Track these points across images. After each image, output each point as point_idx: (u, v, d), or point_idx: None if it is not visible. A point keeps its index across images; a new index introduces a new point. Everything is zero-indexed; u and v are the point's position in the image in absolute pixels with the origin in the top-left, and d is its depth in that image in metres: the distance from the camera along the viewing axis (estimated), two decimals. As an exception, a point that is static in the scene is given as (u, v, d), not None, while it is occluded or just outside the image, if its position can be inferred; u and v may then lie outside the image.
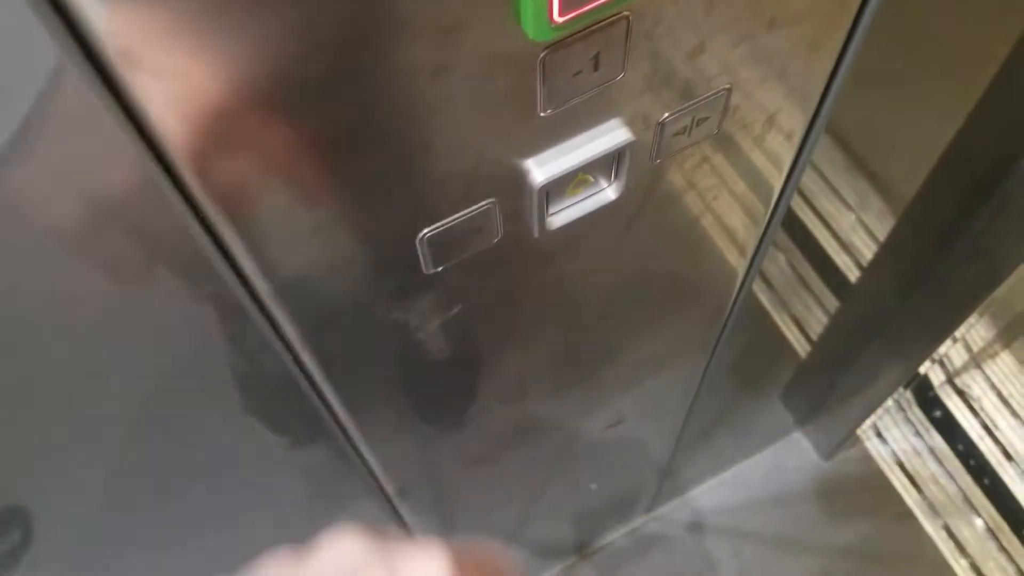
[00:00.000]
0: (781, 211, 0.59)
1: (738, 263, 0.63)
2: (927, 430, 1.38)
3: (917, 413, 1.39)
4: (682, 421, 0.97)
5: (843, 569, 1.30)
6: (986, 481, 1.34)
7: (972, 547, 1.30)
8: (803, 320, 1.22)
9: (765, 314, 1.16)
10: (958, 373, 1.40)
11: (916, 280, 0.94)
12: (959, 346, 1.35)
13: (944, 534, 1.31)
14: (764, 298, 1.13)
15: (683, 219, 0.53)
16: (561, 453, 0.86)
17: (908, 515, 1.33)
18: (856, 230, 1.12)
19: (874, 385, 1.18)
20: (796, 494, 1.36)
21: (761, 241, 0.61)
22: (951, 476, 1.35)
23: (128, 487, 0.51)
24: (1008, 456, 1.35)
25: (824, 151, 0.94)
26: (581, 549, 1.31)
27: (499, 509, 0.94)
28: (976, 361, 1.40)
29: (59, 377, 0.39)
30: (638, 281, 0.58)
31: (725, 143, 0.47)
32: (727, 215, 0.55)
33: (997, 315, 1.32)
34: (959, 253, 0.86)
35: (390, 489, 0.66)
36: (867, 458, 1.37)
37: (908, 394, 1.38)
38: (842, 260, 1.17)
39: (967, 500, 1.33)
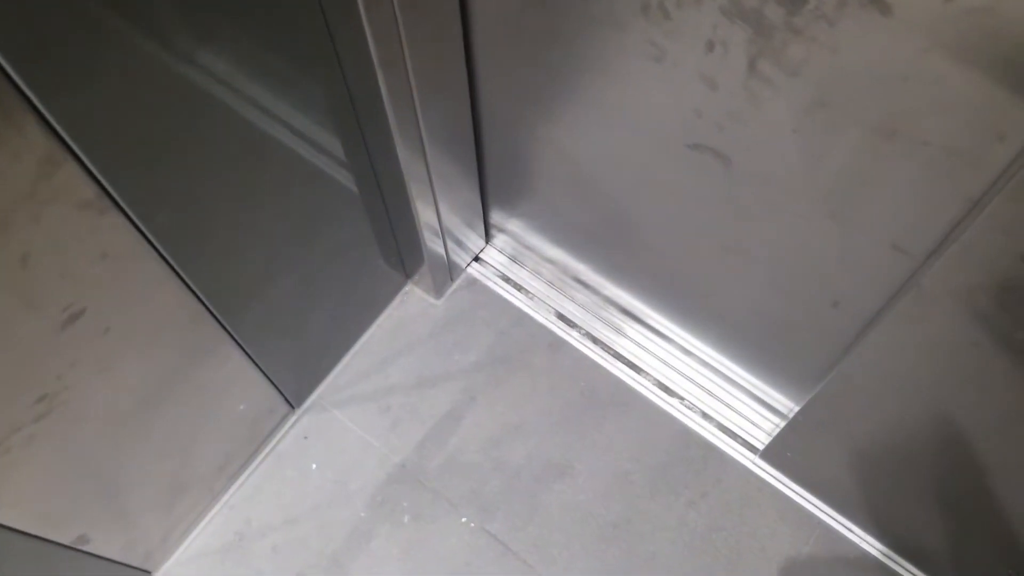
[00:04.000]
0: None
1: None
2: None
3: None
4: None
5: (480, 380, 1.39)
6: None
7: (578, 317, 1.44)
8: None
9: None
10: (524, 183, 1.54)
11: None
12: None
13: (554, 316, 1.44)
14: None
15: None
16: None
17: (521, 315, 1.45)
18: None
19: (456, 217, 1.27)
20: (424, 336, 1.44)
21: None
22: (552, 261, 1.48)
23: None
24: (587, 234, 1.51)
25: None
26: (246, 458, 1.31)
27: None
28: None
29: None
30: None
31: None
32: None
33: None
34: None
35: None
36: (474, 283, 1.48)
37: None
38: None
39: (567, 274, 1.47)
